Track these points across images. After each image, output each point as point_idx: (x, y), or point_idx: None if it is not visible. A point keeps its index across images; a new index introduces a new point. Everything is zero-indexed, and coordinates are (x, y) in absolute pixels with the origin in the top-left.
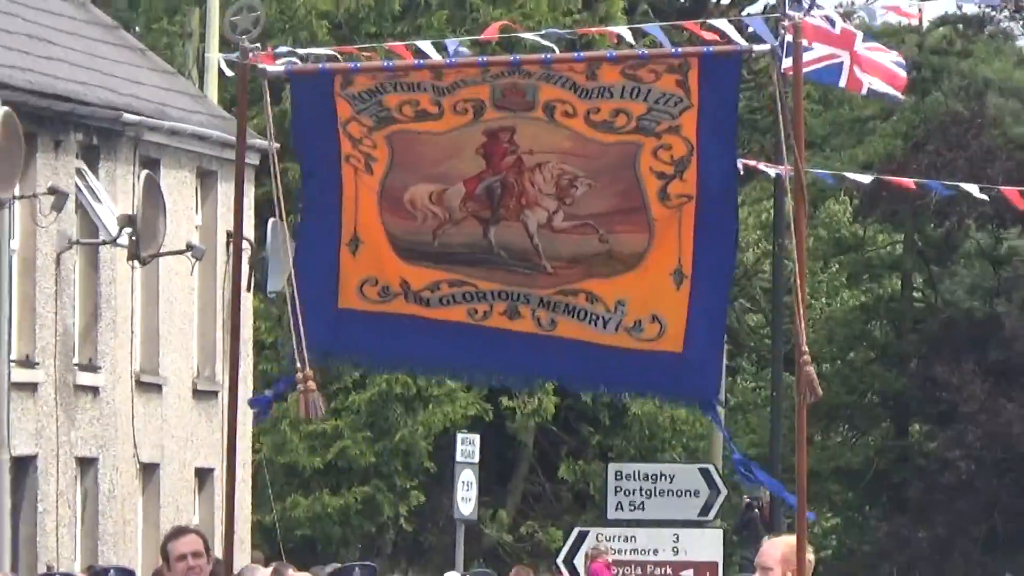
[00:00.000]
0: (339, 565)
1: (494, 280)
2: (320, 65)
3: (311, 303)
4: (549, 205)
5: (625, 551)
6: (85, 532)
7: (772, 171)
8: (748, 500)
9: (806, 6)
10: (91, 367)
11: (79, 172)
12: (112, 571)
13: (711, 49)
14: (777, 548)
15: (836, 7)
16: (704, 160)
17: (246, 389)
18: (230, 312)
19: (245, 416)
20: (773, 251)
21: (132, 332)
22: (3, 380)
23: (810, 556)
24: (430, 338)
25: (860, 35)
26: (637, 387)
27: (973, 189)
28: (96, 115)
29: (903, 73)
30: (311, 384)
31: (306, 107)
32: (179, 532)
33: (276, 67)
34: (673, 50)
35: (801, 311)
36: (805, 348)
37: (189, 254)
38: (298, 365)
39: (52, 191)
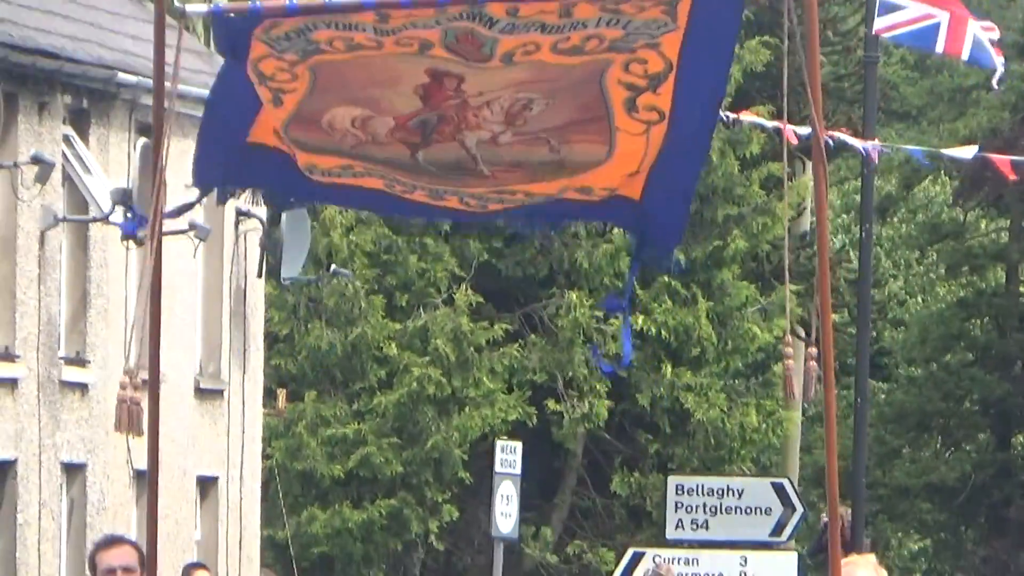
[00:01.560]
0: None
1: (416, 178)
2: (250, 3)
3: (216, 132)
4: (494, 128)
5: (686, 575)
6: (71, 547)
7: (859, 145)
8: (826, 519)
9: None
10: (79, 361)
11: (67, 139)
12: None
13: None
14: (858, 569)
15: None
16: (684, 82)
17: (255, 388)
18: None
19: (254, 418)
20: (860, 238)
21: (126, 322)
22: None
23: None
24: (344, 190)
25: None
26: (590, 218)
27: None
28: (87, 74)
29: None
30: (135, 395)
31: (225, 48)
32: (110, 542)
33: (198, 5)
34: None
35: (824, 299)
36: (789, 340)
37: (192, 234)
38: (125, 368)
39: (36, 161)
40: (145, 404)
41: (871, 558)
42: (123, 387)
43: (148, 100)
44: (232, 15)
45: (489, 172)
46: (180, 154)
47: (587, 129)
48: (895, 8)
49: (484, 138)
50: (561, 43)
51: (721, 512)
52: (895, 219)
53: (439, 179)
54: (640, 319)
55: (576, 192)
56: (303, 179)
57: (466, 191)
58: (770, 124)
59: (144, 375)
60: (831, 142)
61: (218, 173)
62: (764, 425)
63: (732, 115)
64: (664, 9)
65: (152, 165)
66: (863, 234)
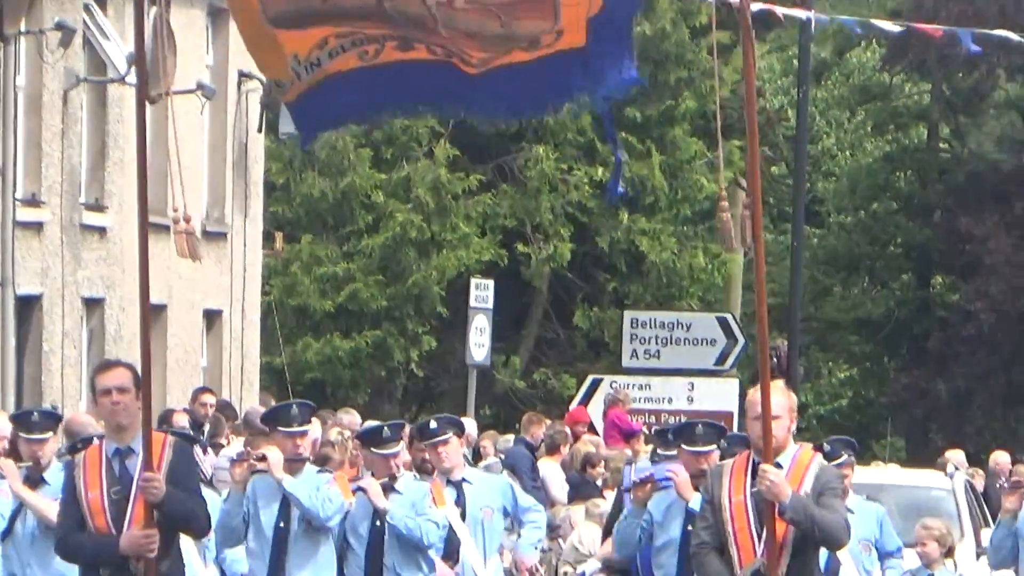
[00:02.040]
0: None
1: (384, 27)
2: None
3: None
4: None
5: (639, 399)
6: (90, 373)
7: (799, 15)
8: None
9: None
10: (98, 207)
11: (87, 8)
12: (35, 413)
13: None
14: (786, 395)
15: None
16: None
17: (255, 231)
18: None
19: (255, 258)
20: (797, 99)
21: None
22: (8, 219)
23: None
24: (331, 97)
25: None
26: (550, 97)
27: (1007, 37)
28: None
29: None
30: (188, 226)
31: None
32: (106, 366)
33: None
34: None
35: (755, 160)
36: (724, 196)
37: (199, 94)
38: (175, 206)
39: (59, 27)
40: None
41: (780, 383)
42: (176, 221)
43: None
44: None
45: (447, 35)
46: (185, 24)
47: (535, 7)
48: None
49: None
50: None
51: (671, 343)
52: (829, 82)
53: (403, 27)
54: (600, 171)
55: (523, 52)
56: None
57: (431, 40)
58: (799, 15)
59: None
60: (775, 12)
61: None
62: (710, 266)
63: None
64: None
65: (159, 33)
66: (800, 95)
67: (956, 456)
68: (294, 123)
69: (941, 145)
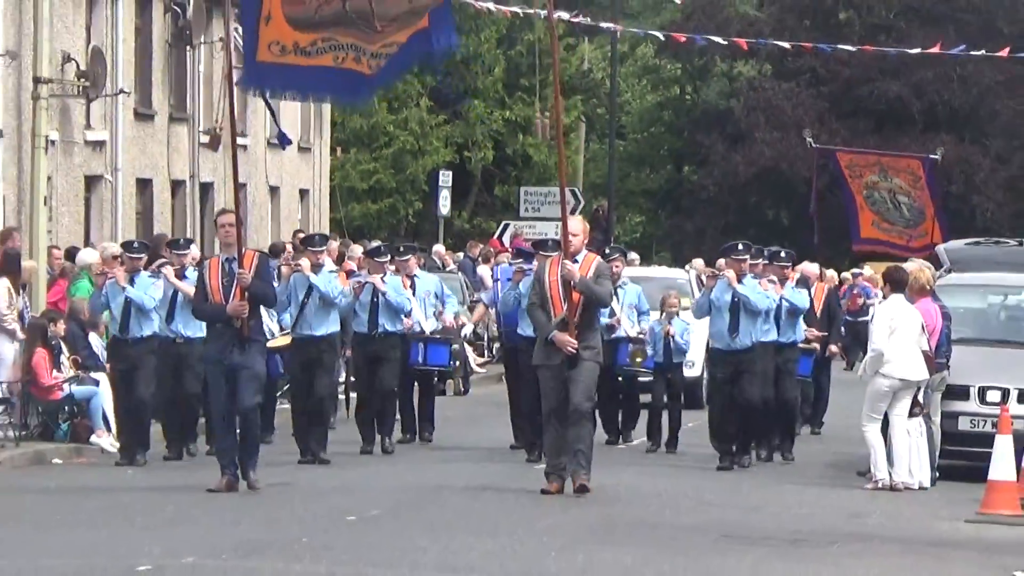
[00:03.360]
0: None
1: (348, 36)
2: None
3: (246, 58)
4: None
5: (529, 233)
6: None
7: (613, 27)
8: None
9: None
10: (242, 134)
11: (236, 29)
12: (181, 240)
13: None
14: (582, 223)
15: None
16: None
17: (326, 144)
18: None
19: (326, 159)
20: (611, 73)
21: None
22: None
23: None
24: (309, 77)
25: None
26: (408, 63)
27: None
28: None
29: None
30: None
31: None
32: (222, 212)
33: None
34: None
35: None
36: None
37: None
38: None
39: (220, 40)
40: None
41: (579, 217)
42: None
43: None
44: None
45: (380, 27)
46: None
47: None
48: None
49: None
50: None
51: (546, 203)
52: (627, 63)
53: (357, 31)
54: (507, 113)
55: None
56: (289, 83)
57: (369, 48)
58: None
59: None
60: (601, 25)
61: (251, 82)
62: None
63: None
64: None
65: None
66: (613, 72)
67: (697, 262)
68: (256, 76)
69: (686, 98)
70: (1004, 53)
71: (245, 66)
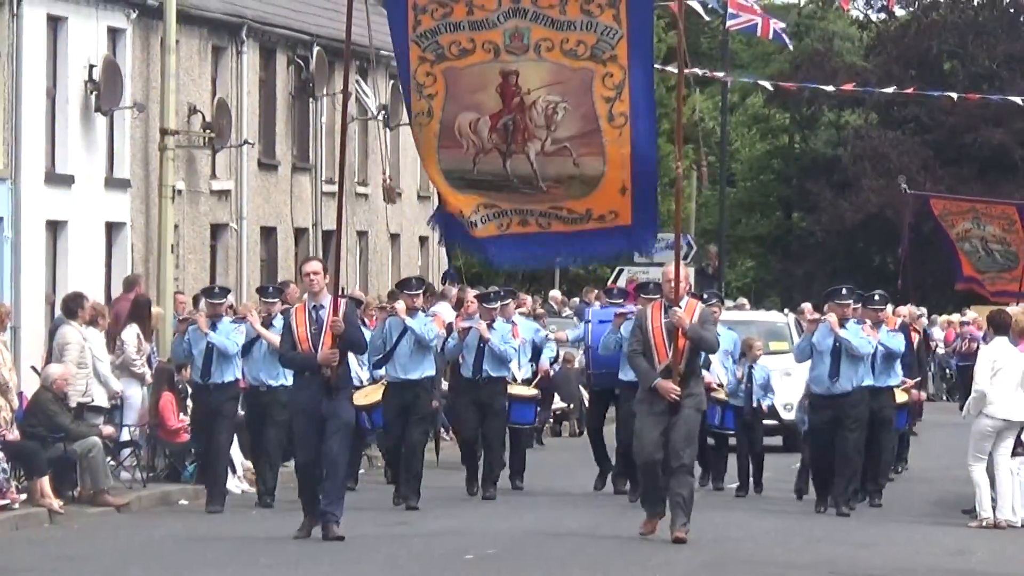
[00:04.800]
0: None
1: (511, 201)
2: None
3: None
4: (541, 135)
5: (644, 279)
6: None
7: (723, 76)
8: None
9: None
10: (363, 182)
11: (356, 81)
12: (270, 288)
13: None
14: (684, 270)
15: None
16: (633, 79)
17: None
18: None
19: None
20: (722, 122)
21: None
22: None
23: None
24: (483, 246)
25: None
26: (604, 255)
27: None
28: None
29: None
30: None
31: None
32: (307, 260)
33: None
34: None
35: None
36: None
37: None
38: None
39: (341, 92)
40: None
41: (683, 263)
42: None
43: None
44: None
45: (545, 188)
46: None
47: (590, 141)
48: None
49: (538, 149)
50: (564, 44)
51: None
52: (737, 112)
53: (520, 195)
54: None
55: (595, 222)
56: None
57: (535, 208)
58: None
59: None
60: (711, 73)
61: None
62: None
63: None
64: (614, 15)
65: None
66: (723, 121)
67: (805, 306)
68: (465, 245)
69: (795, 146)
70: None
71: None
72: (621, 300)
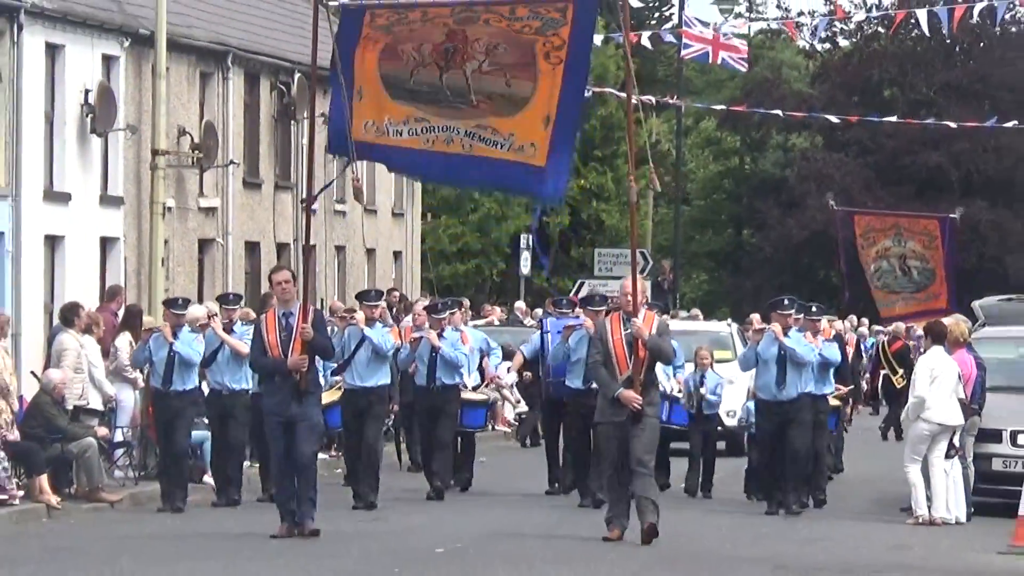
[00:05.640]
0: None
1: (441, 117)
2: (359, 3)
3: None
4: (480, 59)
5: (603, 292)
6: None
7: (678, 103)
8: None
9: None
10: (340, 200)
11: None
12: (231, 295)
13: None
14: (642, 283)
15: None
16: (571, 44)
17: (417, 210)
18: None
19: (416, 226)
20: (677, 144)
21: None
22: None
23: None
24: (402, 156)
25: None
26: (514, 190)
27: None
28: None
29: None
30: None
31: (344, 29)
32: (278, 269)
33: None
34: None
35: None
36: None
37: None
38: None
39: (322, 115)
40: None
41: (640, 277)
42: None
43: None
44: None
45: (476, 102)
46: None
47: (525, 68)
48: None
49: (474, 67)
50: (511, 25)
51: (619, 264)
52: (691, 135)
53: (451, 109)
54: (581, 181)
55: (514, 152)
56: (383, 158)
57: (461, 127)
58: None
59: None
60: (665, 100)
61: (343, 149)
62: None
63: None
64: (560, 8)
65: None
66: (678, 143)
67: (753, 316)
68: (349, 150)
69: (745, 168)
70: None
71: (334, 135)
72: (568, 310)
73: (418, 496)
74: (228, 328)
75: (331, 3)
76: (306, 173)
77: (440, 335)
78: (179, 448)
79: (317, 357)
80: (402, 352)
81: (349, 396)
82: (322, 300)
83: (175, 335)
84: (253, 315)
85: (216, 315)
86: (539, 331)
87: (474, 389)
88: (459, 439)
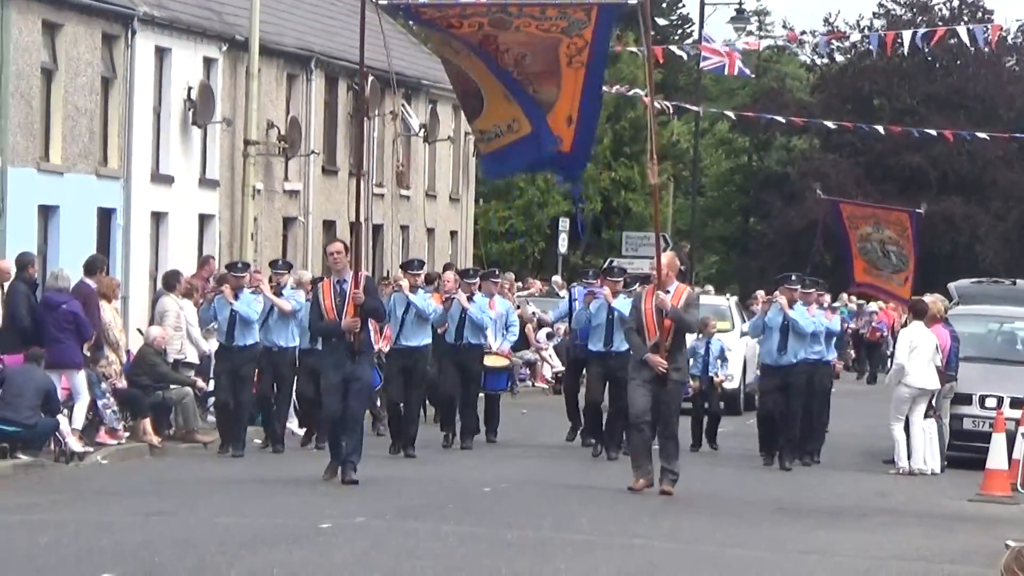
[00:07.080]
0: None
1: (502, 109)
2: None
3: None
4: (509, 69)
5: (630, 269)
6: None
7: (694, 108)
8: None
9: None
10: (401, 182)
11: (403, 106)
12: (280, 261)
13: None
14: (673, 259)
15: None
16: (592, 45)
17: (471, 196)
18: None
19: (470, 209)
20: (695, 143)
21: None
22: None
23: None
24: (486, 163)
25: None
26: (553, 169)
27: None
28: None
29: None
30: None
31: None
32: (331, 240)
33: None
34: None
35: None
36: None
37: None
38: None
39: (391, 112)
40: None
41: (671, 254)
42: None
43: None
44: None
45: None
46: None
47: (549, 79)
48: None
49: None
50: (540, 25)
51: (643, 244)
52: (707, 136)
53: (528, 104)
54: (612, 174)
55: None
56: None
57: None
58: None
59: None
60: (682, 105)
61: None
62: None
63: None
64: (584, 11)
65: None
66: (696, 143)
67: (759, 293)
68: (483, 166)
69: (752, 165)
70: (1004, 134)
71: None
72: (595, 281)
73: (443, 446)
74: (277, 291)
75: (380, 2)
76: (387, 164)
77: (470, 298)
78: (242, 400)
79: (369, 317)
80: (435, 312)
81: (395, 354)
82: (388, 271)
83: (236, 296)
84: (307, 278)
85: (263, 281)
86: (567, 299)
87: (515, 351)
88: (485, 399)
